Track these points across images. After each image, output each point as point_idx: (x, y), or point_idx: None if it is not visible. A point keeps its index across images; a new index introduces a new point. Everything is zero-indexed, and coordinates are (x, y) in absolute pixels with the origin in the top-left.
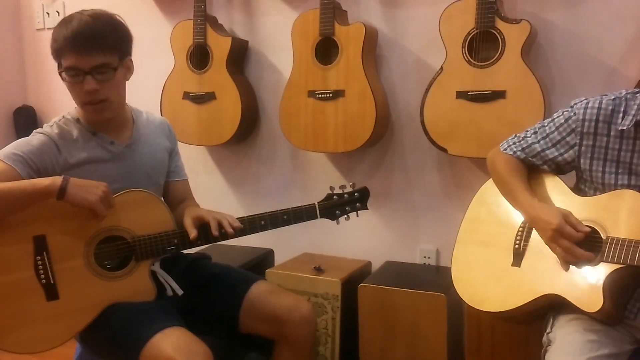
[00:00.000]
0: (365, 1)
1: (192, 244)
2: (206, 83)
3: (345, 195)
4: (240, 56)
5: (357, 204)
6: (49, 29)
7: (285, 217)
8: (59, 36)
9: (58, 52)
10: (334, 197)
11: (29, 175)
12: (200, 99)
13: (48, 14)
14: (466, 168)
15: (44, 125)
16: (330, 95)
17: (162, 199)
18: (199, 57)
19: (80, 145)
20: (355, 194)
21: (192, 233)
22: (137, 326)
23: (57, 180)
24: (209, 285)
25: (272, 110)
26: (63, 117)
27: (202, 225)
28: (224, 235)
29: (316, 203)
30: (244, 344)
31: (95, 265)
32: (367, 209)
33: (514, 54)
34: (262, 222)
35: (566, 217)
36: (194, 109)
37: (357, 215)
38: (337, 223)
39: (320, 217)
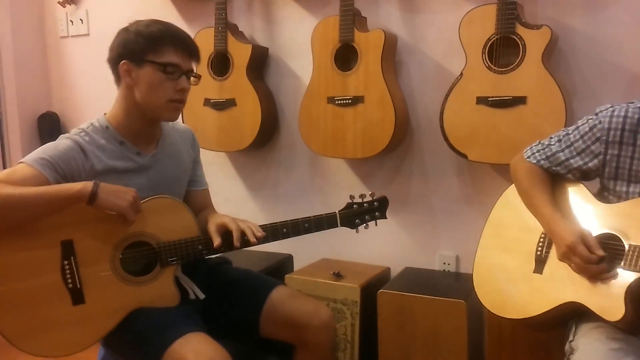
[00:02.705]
0: (385, 7)
1: (216, 251)
2: (227, 90)
3: (365, 205)
4: (260, 63)
5: (377, 213)
6: (72, 36)
7: (306, 225)
8: (157, 30)
9: (157, 43)
10: (354, 206)
11: (56, 180)
12: (221, 105)
13: (72, 22)
14: (486, 174)
15: (72, 131)
16: (350, 101)
17: None
18: (220, 64)
19: (106, 154)
20: (375, 203)
21: (216, 241)
22: (159, 331)
23: (88, 185)
24: (229, 290)
25: (291, 116)
26: (92, 124)
27: (226, 233)
28: (247, 243)
29: (337, 212)
30: (264, 349)
31: (121, 270)
32: (386, 218)
33: (535, 60)
34: (284, 230)
35: (584, 237)
36: (214, 115)
37: (376, 225)
38: (357, 232)
39: (341, 226)
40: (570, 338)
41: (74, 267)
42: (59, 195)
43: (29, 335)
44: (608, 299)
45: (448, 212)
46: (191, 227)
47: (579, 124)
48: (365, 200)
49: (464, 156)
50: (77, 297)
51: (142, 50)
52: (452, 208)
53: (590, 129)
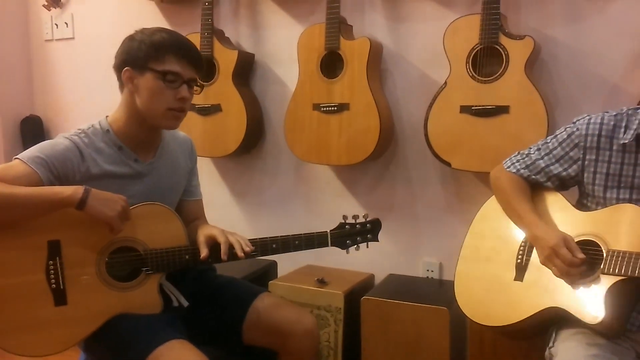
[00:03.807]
0: (371, 16)
1: (203, 262)
2: (212, 95)
3: (358, 226)
4: (246, 69)
5: (368, 235)
6: (57, 40)
7: (297, 242)
8: (160, 38)
9: (159, 51)
10: (347, 226)
11: (49, 180)
12: (206, 110)
13: (56, 25)
14: (469, 182)
15: (72, 131)
16: (335, 108)
17: None
18: (206, 69)
19: (104, 158)
20: (368, 225)
21: (204, 252)
22: (140, 338)
23: (78, 190)
24: (213, 297)
25: (277, 122)
26: (93, 125)
27: (214, 245)
28: (234, 257)
29: (328, 231)
30: (247, 356)
31: (105, 274)
32: (378, 240)
33: (518, 70)
34: (274, 246)
35: (566, 240)
36: (199, 121)
37: (367, 247)
38: (347, 252)
39: (331, 246)
40: (550, 344)
41: (59, 268)
42: (48, 199)
43: (8, 332)
44: (588, 304)
45: (432, 219)
46: (180, 236)
47: (557, 133)
48: (358, 221)
49: (448, 164)
50: (60, 298)
51: (144, 57)
52: (436, 215)
53: (569, 135)
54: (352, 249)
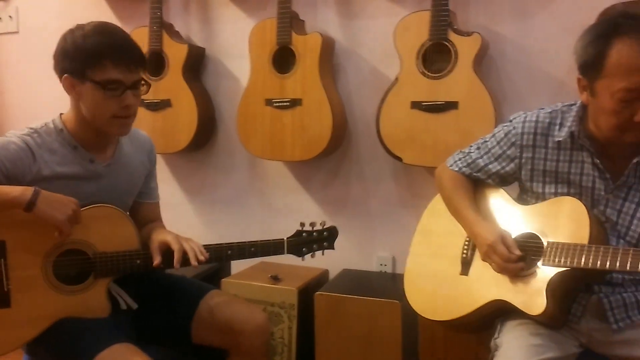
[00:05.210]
0: (323, 11)
1: (155, 268)
2: (161, 90)
3: (314, 234)
4: (197, 63)
5: (325, 243)
6: (0, 34)
7: (252, 249)
8: (95, 43)
9: (96, 58)
10: (303, 234)
11: None
12: (155, 106)
13: (0, 18)
14: (421, 177)
15: (25, 130)
16: (288, 103)
17: None
18: (155, 63)
19: (57, 158)
20: (324, 233)
21: (157, 259)
22: (84, 342)
23: (27, 192)
24: (162, 297)
25: (229, 118)
26: (46, 124)
27: (167, 252)
28: (188, 263)
29: (285, 239)
30: (196, 356)
31: (52, 277)
32: (334, 248)
33: (466, 66)
34: (229, 252)
35: (503, 237)
36: (148, 116)
37: (323, 254)
38: (302, 259)
39: (287, 253)
40: (496, 335)
41: (3, 270)
42: None
43: None
44: (530, 295)
45: (385, 214)
46: (132, 240)
47: (495, 132)
48: (315, 229)
49: (400, 159)
50: (3, 300)
51: (82, 66)
52: (389, 210)
53: (506, 134)
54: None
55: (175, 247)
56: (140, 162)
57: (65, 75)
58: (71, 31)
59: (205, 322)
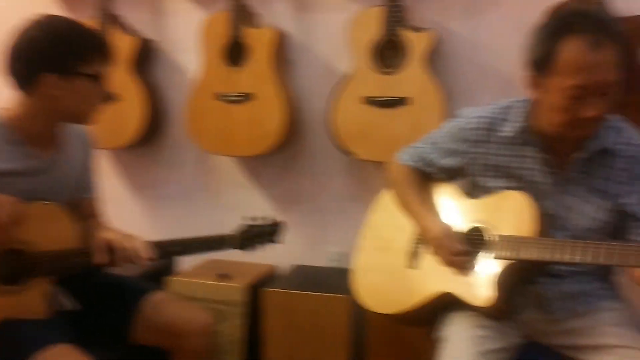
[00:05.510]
0: (275, 5)
1: (96, 267)
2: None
3: (260, 228)
4: (145, 56)
5: (270, 237)
6: None
7: (197, 245)
8: (80, 37)
9: (87, 52)
10: (248, 228)
11: None
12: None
13: None
14: (373, 172)
15: None
16: (239, 98)
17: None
18: None
19: None
20: (270, 227)
21: (99, 258)
22: (20, 344)
23: None
24: (102, 297)
25: (178, 112)
26: None
27: (110, 251)
28: (130, 261)
29: (230, 234)
30: (138, 356)
31: None
32: (280, 242)
33: (418, 62)
34: (174, 249)
35: (449, 232)
36: None
37: (269, 248)
38: (248, 253)
39: (233, 248)
40: (442, 328)
41: None
42: None
43: None
44: (476, 287)
45: (336, 209)
46: (73, 237)
47: (445, 127)
48: (260, 223)
49: (351, 154)
50: None
51: (72, 62)
52: (340, 205)
53: (455, 130)
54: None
55: (117, 245)
56: (81, 154)
57: (47, 74)
58: (39, 27)
59: (147, 322)
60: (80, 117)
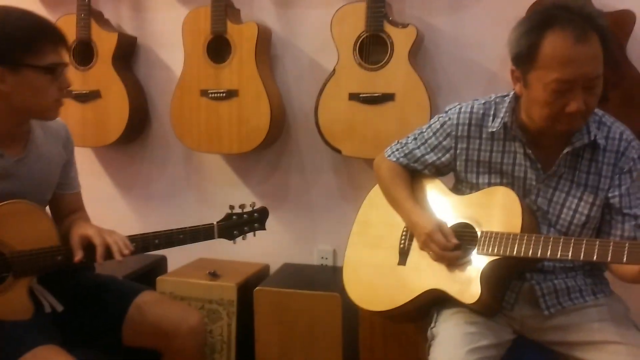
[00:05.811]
0: (259, 0)
1: (77, 264)
2: (91, 80)
3: (245, 216)
4: (127, 53)
5: (256, 224)
6: None
7: (181, 236)
8: (30, 27)
9: (35, 43)
10: (233, 217)
11: None
12: (85, 97)
13: None
14: (360, 168)
15: None
16: (224, 94)
17: (49, 211)
18: (83, 53)
19: None
20: (255, 214)
21: (78, 255)
22: (5, 346)
23: None
24: (91, 298)
25: (163, 109)
26: None
27: (89, 246)
28: (112, 258)
29: (215, 223)
30: (128, 358)
31: None
32: (265, 229)
33: (402, 58)
34: (156, 241)
35: (440, 226)
36: (77, 108)
37: (254, 235)
38: (234, 242)
39: (218, 237)
40: (432, 325)
41: None
42: None
43: None
44: (465, 284)
45: (325, 206)
46: (50, 235)
47: (431, 122)
48: (245, 211)
49: (339, 151)
50: None
51: (19, 54)
52: (329, 203)
53: (441, 125)
54: (240, 239)
55: (96, 241)
56: (56, 152)
57: None
58: None
59: (137, 323)
60: (41, 112)
